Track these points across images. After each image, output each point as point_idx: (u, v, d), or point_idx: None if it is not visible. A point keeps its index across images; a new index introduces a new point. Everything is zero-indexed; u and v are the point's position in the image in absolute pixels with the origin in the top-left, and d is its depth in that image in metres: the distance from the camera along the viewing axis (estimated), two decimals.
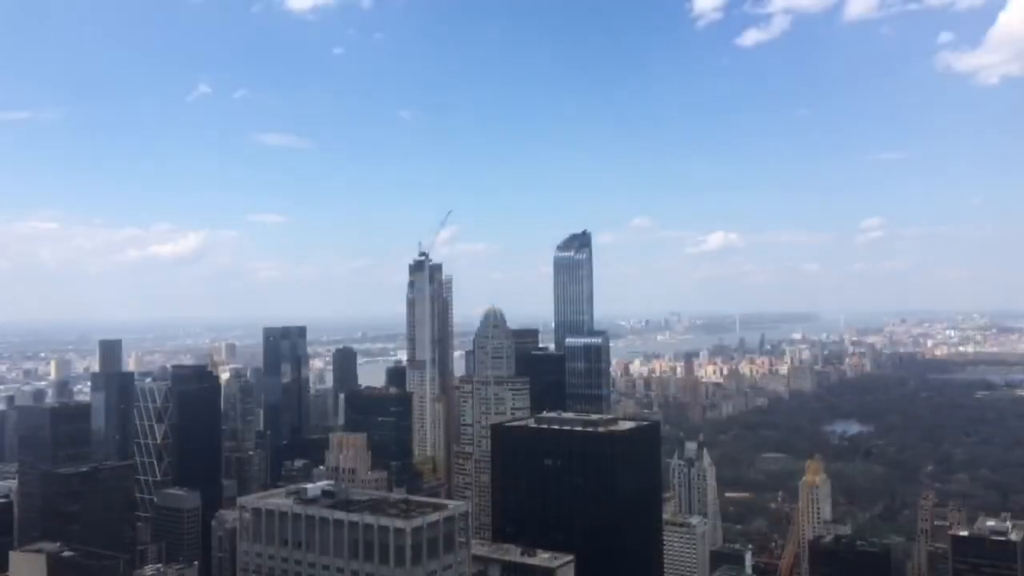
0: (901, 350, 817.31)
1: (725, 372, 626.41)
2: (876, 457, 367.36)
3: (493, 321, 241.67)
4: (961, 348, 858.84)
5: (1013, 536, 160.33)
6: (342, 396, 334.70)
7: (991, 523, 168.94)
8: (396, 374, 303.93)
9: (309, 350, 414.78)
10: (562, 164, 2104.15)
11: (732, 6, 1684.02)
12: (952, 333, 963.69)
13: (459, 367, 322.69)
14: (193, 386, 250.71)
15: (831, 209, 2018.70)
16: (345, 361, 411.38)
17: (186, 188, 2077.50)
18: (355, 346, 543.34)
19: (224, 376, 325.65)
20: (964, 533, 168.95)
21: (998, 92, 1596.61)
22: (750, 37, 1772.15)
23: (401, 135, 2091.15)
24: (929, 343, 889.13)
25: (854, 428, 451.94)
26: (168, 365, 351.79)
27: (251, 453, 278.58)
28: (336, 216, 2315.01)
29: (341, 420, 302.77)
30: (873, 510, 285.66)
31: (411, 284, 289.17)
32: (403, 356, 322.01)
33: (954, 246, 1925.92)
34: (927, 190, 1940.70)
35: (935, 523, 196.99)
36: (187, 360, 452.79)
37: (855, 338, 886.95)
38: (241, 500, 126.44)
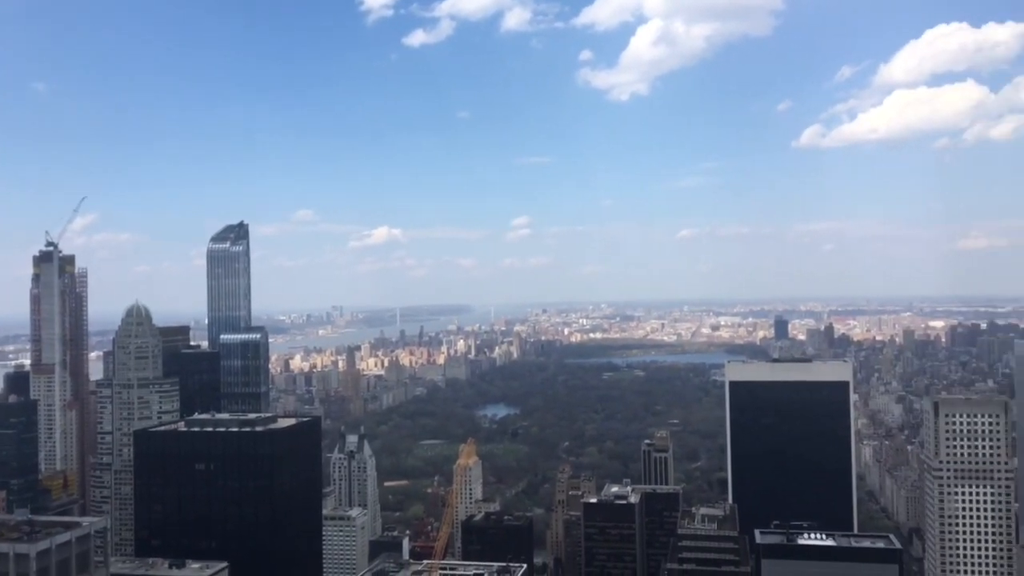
0: (543, 338, 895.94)
1: (386, 364, 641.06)
2: (521, 437, 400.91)
3: (136, 318, 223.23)
4: (592, 335, 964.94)
5: (632, 499, 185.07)
6: None
7: (615, 489, 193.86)
8: (17, 380, 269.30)
9: None
10: (220, 157, 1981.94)
11: (400, 5, 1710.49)
12: (585, 321, 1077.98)
13: (96, 370, 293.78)
14: None
15: (486, 207, 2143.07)
16: None
17: None
18: None
19: None
20: (593, 500, 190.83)
21: (627, 108, 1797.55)
22: (417, 38, 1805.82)
23: (30, 111, 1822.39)
24: (566, 331, 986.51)
25: (502, 411, 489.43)
26: None
27: None
28: None
29: None
30: (519, 486, 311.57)
31: (36, 278, 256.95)
32: (26, 360, 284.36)
33: (588, 244, 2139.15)
34: (567, 192, 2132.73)
35: (570, 493, 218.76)
36: None
37: (504, 328, 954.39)
38: None
